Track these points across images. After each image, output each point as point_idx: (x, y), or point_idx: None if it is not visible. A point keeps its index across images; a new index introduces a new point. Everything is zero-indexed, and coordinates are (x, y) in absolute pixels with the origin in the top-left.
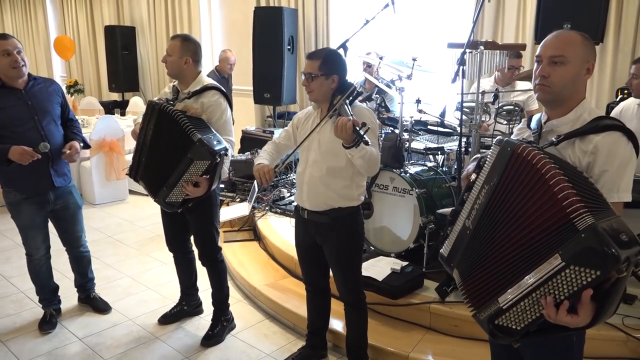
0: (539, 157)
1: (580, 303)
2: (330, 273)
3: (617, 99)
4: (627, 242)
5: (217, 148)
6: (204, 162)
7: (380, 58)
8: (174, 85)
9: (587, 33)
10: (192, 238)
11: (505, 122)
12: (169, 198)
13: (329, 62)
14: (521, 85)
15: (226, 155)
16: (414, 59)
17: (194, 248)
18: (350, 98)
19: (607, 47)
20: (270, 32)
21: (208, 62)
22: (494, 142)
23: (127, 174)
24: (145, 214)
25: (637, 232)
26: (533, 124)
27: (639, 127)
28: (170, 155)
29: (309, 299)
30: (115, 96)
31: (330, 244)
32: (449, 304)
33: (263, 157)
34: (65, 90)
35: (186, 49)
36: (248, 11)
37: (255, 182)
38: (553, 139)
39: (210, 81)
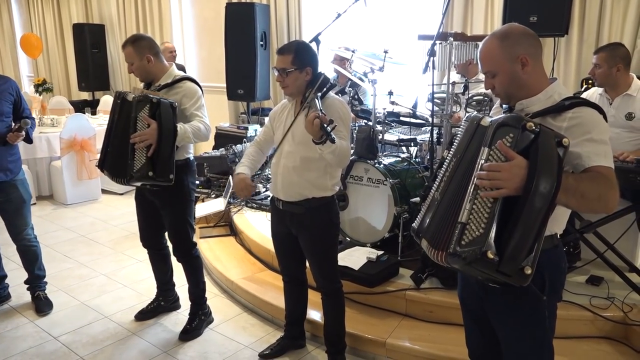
0: None
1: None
2: (307, 263)
3: (582, 89)
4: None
5: (151, 95)
6: (144, 110)
7: (353, 51)
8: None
9: (553, 25)
10: (166, 234)
11: (476, 112)
12: (134, 167)
13: (302, 54)
14: None
15: (174, 104)
16: (386, 52)
17: (169, 244)
18: (323, 90)
19: (572, 39)
20: (242, 29)
21: (180, 60)
22: (464, 118)
23: (95, 165)
24: (118, 213)
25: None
26: (505, 105)
27: None
28: (125, 131)
29: (287, 289)
30: (85, 95)
31: (305, 235)
32: (424, 290)
33: (244, 164)
34: (34, 89)
35: (141, 48)
36: (219, 8)
37: (230, 177)
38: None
39: (181, 74)
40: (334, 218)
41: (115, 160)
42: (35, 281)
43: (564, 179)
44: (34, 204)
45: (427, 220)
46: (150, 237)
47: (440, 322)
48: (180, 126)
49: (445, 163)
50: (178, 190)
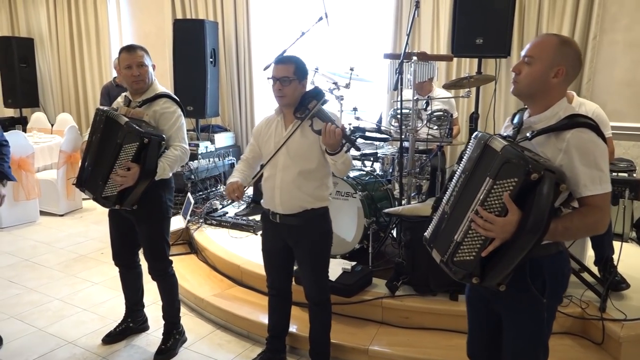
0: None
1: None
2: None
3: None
4: (535, 157)
5: (145, 130)
6: (132, 145)
7: (315, 69)
8: (125, 95)
9: (496, 48)
10: (140, 252)
11: (436, 127)
12: (105, 192)
13: (302, 66)
14: (442, 93)
15: (162, 141)
16: (352, 69)
17: (142, 262)
18: (326, 103)
19: (512, 60)
20: (191, 45)
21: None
22: (472, 136)
23: (73, 184)
24: (62, 235)
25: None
26: (515, 120)
27: None
28: (105, 151)
29: (273, 303)
30: (11, 112)
31: (304, 245)
32: (399, 297)
33: (234, 176)
34: None
35: (147, 55)
36: (161, 23)
37: (189, 195)
38: (528, 134)
39: (162, 89)
40: (330, 227)
41: (92, 175)
42: None
43: (553, 227)
44: None
45: (439, 232)
46: (124, 255)
47: (416, 327)
48: (160, 164)
49: (455, 178)
50: (155, 207)
